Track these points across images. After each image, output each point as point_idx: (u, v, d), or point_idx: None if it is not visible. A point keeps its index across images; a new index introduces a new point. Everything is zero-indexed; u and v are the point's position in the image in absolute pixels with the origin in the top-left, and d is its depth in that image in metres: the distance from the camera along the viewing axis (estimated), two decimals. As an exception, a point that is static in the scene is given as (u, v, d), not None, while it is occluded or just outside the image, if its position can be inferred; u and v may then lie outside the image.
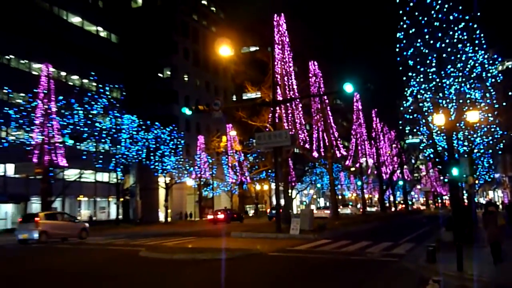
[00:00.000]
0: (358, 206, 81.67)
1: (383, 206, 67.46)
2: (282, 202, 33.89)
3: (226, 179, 63.12)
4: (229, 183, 63.86)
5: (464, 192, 28.83)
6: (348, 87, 21.25)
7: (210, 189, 63.50)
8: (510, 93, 25.85)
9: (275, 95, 29.75)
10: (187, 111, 25.46)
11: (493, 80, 23.45)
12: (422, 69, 20.84)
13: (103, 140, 45.64)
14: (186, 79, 70.20)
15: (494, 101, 23.37)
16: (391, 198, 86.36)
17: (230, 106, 53.34)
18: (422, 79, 21.00)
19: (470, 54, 20.70)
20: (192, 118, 64.54)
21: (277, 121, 31.37)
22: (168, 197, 55.19)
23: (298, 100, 35.69)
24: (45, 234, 25.67)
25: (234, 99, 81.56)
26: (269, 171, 60.22)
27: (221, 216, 49.35)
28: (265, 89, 36.35)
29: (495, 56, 24.64)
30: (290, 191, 47.84)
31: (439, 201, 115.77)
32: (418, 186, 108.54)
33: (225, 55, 24.56)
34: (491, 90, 23.16)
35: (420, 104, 22.83)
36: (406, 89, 23.40)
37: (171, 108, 63.97)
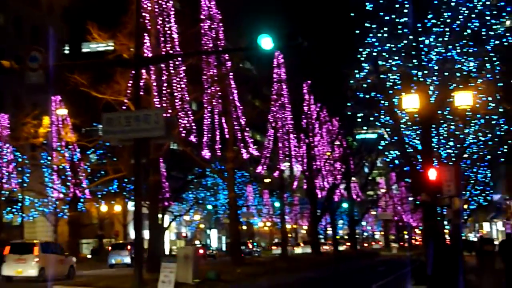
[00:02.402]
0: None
1: (317, 244, 69.18)
2: (147, 234, 33.70)
3: (48, 193, 61.65)
4: (54, 200, 62.41)
5: (446, 222, 30.38)
6: (266, 42, 21.53)
7: (17, 209, 61.78)
8: None
9: (141, 48, 29.46)
10: (-21, 70, 24.61)
11: (497, 42, 24.38)
12: (387, 17, 21.63)
13: None
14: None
15: (497, 76, 24.50)
16: (329, 231, 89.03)
17: (60, 63, 52.07)
18: (386, 35, 21.78)
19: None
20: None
21: (142, 93, 31.12)
22: None
23: (180, 59, 35.67)
24: None
25: (67, 51, 79.83)
26: (125, 180, 59.68)
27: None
28: (123, 37, 35.97)
29: (503, 3, 25.50)
30: (161, 215, 47.62)
31: (407, 236, 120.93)
32: (373, 212, 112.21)
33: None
34: (494, 59, 24.16)
35: (382, 76, 23.71)
36: (361, 49, 24.18)
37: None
